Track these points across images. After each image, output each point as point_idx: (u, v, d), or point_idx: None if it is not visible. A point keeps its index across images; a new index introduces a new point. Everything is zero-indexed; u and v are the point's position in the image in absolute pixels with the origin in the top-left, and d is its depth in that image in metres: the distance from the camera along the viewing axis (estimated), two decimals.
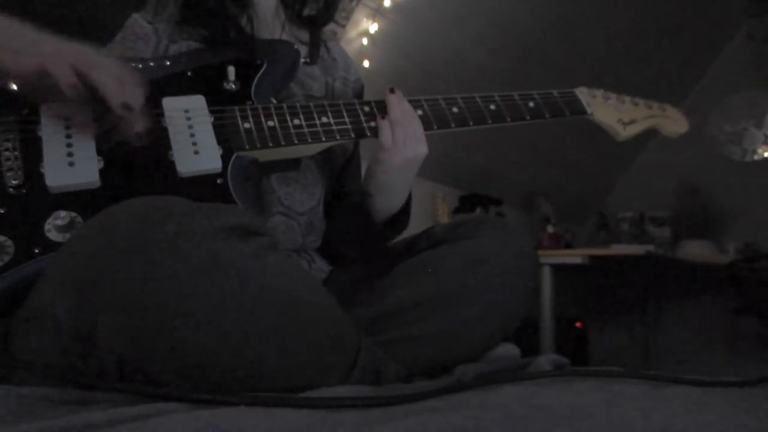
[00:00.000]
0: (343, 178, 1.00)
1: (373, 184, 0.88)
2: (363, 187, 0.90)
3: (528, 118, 0.95)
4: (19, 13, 0.64)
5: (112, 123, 0.68)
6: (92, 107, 0.68)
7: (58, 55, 0.63)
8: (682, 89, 3.38)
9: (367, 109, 0.85)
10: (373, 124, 0.84)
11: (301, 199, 0.88)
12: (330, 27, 1.02)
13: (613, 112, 1.03)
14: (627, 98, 1.06)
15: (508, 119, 0.93)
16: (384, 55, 2.26)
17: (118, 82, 0.65)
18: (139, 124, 0.68)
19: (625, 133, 1.02)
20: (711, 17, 3.05)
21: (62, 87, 0.62)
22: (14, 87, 0.66)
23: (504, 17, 2.45)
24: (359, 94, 1.05)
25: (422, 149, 0.85)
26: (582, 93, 1.01)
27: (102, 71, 0.64)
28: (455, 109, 0.90)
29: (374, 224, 0.90)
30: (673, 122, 1.08)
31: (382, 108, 0.86)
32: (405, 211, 0.92)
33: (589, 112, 1.00)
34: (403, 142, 0.83)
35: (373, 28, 2.22)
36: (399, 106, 0.85)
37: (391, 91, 0.87)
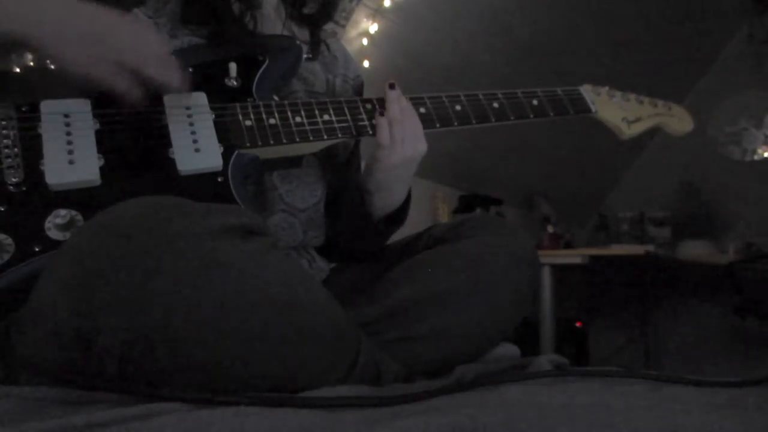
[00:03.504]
0: (344, 176, 0.99)
1: (371, 182, 0.87)
2: (361, 185, 0.89)
3: (532, 116, 0.94)
4: None
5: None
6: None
7: (110, 54, 0.65)
8: (682, 89, 3.38)
9: (369, 106, 0.85)
10: (374, 121, 0.84)
11: (302, 196, 0.88)
12: (330, 27, 1.02)
13: (618, 110, 1.02)
14: (632, 96, 1.04)
15: (512, 117, 0.92)
16: (384, 55, 2.26)
17: (166, 67, 0.69)
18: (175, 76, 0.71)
19: (629, 131, 1.01)
20: (711, 17, 3.05)
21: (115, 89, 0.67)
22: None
23: (504, 17, 2.45)
24: (359, 91, 1.04)
25: (421, 147, 0.84)
26: (586, 91, 1.00)
27: (153, 65, 0.68)
28: (458, 107, 0.89)
29: (372, 222, 0.89)
30: (679, 121, 1.07)
31: (384, 105, 0.85)
32: (404, 207, 0.91)
33: (593, 110, 0.99)
34: (402, 140, 0.82)
35: (373, 28, 2.22)
36: (398, 102, 0.84)
37: (391, 87, 0.85)
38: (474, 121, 0.90)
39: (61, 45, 0.63)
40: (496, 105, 0.91)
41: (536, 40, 2.61)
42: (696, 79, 3.44)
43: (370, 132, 0.83)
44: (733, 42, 3.32)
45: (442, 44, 2.40)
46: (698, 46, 3.23)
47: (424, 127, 0.86)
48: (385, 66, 2.27)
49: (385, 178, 0.86)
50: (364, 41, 2.23)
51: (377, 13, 2.20)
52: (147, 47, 0.68)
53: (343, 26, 2.18)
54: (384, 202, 0.89)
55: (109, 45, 0.65)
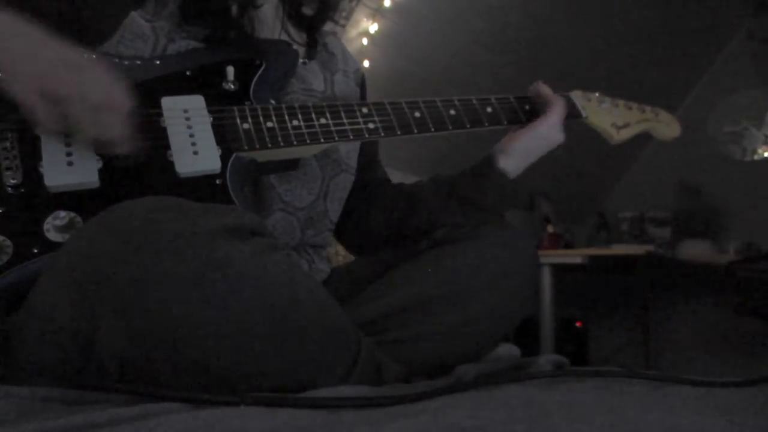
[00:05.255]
0: (365, 169, 1.01)
1: (513, 146, 0.92)
2: (499, 147, 0.94)
3: (524, 120, 0.95)
4: (15, 9, 0.64)
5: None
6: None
7: (32, 85, 0.61)
8: (681, 89, 3.37)
9: (365, 110, 0.84)
10: (371, 125, 0.84)
11: (300, 195, 0.88)
12: (329, 26, 1.01)
13: (607, 116, 1.03)
14: (621, 102, 1.06)
15: (504, 122, 0.94)
16: (384, 55, 2.26)
17: (93, 112, 0.63)
18: (124, 145, 0.66)
19: (618, 136, 1.03)
20: (711, 17, 3.04)
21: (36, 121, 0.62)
22: None
23: (505, 17, 2.45)
24: (361, 84, 1.04)
25: (562, 137, 0.94)
26: (577, 96, 1.02)
27: (77, 102, 0.62)
28: (452, 112, 0.90)
29: (503, 175, 0.93)
30: (666, 126, 1.09)
31: (380, 110, 0.85)
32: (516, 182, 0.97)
33: (583, 115, 1.00)
34: (563, 124, 0.93)
35: (373, 28, 2.22)
36: None
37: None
38: (468, 126, 0.91)
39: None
40: (489, 110, 0.92)
41: (537, 40, 2.61)
42: (696, 78, 3.44)
43: (366, 135, 0.83)
44: (733, 42, 3.32)
45: (442, 44, 2.40)
46: (698, 46, 3.23)
47: (418, 131, 0.86)
48: (385, 66, 2.27)
49: (525, 148, 0.93)
50: (364, 41, 2.23)
51: (377, 13, 2.21)
52: (96, 93, 0.63)
53: (343, 26, 2.18)
54: (508, 167, 0.93)
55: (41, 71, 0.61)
